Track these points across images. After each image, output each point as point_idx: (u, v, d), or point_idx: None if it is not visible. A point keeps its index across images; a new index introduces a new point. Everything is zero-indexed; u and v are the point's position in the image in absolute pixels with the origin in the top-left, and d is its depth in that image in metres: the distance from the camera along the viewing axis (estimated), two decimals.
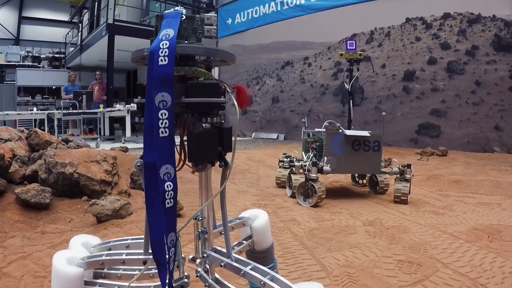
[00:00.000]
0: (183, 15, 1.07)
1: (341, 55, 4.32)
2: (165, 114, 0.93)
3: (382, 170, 3.86)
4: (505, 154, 7.51)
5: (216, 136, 1.06)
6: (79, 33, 18.22)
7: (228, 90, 1.12)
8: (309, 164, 3.67)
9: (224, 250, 1.16)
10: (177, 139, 1.05)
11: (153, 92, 0.94)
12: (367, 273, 2.05)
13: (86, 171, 3.34)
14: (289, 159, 4.32)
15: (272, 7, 12.57)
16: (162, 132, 0.93)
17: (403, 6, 9.26)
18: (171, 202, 0.95)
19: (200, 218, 1.13)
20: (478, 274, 2.05)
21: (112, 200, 2.97)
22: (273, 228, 2.79)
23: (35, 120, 12.47)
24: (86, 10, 18.92)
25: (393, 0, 9.46)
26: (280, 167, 4.40)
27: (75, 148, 4.13)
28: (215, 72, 13.93)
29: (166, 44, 0.96)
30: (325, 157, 3.73)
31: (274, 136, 12.25)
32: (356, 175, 4.49)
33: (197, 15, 1.10)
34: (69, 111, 10.86)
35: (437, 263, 2.18)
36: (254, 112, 13.28)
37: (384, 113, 4.44)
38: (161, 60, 0.95)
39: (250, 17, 13.43)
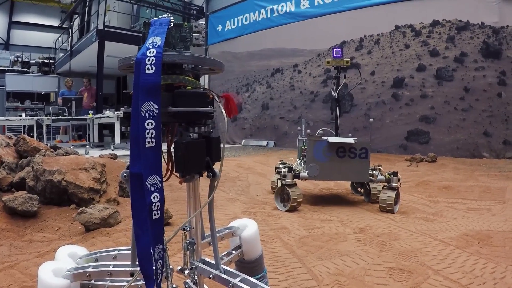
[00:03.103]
0: (171, 23, 1.05)
1: (328, 62, 4.31)
2: (151, 124, 0.91)
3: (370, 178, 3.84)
4: (494, 159, 7.57)
5: (203, 146, 1.04)
6: (69, 39, 18.12)
7: (216, 99, 1.10)
8: (284, 170, 3.69)
9: (213, 261, 1.14)
10: (165, 148, 1.03)
11: (140, 101, 0.91)
12: (358, 281, 2.04)
13: (74, 179, 3.30)
14: (284, 165, 4.31)
15: (262, 14, 12.59)
16: (148, 142, 0.91)
17: (392, 14, 9.32)
18: (158, 213, 0.93)
19: (188, 229, 1.11)
20: (469, 280, 2.05)
21: (101, 209, 2.94)
22: (263, 236, 2.77)
23: (24, 126, 12.36)
24: (76, 16, 18.84)
25: (383, 7, 9.51)
26: (276, 173, 4.41)
27: (63, 155, 4.09)
28: (204, 78, 13.92)
29: (153, 52, 0.94)
30: (300, 163, 3.72)
31: (264, 143, 12.24)
32: (355, 183, 4.48)
33: (185, 23, 1.09)
34: (58, 117, 10.76)
35: (428, 270, 2.17)
36: (244, 119, 13.27)
37: (371, 119, 4.45)
38: (148, 69, 0.92)
39: (240, 24, 13.44)
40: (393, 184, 3.64)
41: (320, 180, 4.15)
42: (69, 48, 17.34)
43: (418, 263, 2.28)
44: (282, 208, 3.64)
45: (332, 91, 4.32)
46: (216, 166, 1.10)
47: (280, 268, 2.19)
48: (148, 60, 0.93)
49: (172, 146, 1.04)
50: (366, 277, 2.08)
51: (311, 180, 3.83)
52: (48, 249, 2.47)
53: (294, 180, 3.69)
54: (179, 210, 3.39)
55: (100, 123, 11.66)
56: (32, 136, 10.75)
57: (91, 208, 2.93)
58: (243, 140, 13.01)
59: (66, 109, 10.96)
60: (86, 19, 16.62)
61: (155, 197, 0.92)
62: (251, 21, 13.02)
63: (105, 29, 13.55)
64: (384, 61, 9.46)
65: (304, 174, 3.72)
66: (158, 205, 0.93)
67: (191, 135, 1.03)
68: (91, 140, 11.57)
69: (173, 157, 1.03)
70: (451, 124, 8.31)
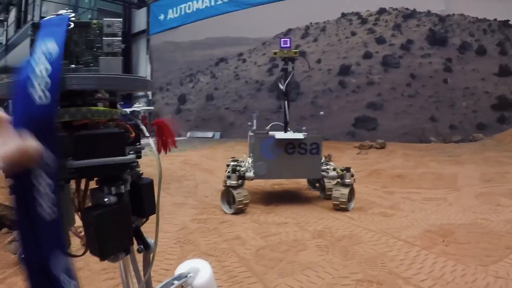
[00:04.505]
0: (71, 22, 0.71)
1: (275, 53, 4.04)
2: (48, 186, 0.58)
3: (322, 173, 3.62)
4: (441, 144, 7.68)
5: (126, 212, 0.72)
6: (5, 32, 17.06)
7: (145, 132, 0.77)
8: (228, 171, 3.49)
9: None
10: None
11: None
12: None
13: (3, 199, 2.89)
14: (236, 163, 4.04)
15: (206, 2, 12.22)
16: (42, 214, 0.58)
17: (339, 1, 9.29)
18: None
19: None
20: (442, 287, 1.90)
21: None
22: (216, 250, 2.50)
23: None
24: (12, 7, 17.72)
25: None
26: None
27: None
28: (146, 70, 13.41)
29: (46, 69, 0.60)
30: (245, 162, 3.57)
31: (210, 134, 11.94)
32: (311, 179, 4.26)
33: (94, 21, 0.75)
34: None
35: (397, 279, 1.99)
36: (188, 111, 12.90)
37: (322, 112, 4.24)
38: (40, 97, 0.58)
39: (183, 13, 13.00)
40: (346, 180, 3.44)
41: (269, 179, 3.94)
42: (4, 42, 16.35)
43: (386, 271, 2.09)
44: (228, 210, 3.41)
45: (280, 84, 4.06)
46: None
47: None
48: (39, 83, 0.59)
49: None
50: None
51: (260, 179, 3.61)
52: None
53: (240, 180, 3.46)
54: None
55: None
56: None
57: None
58: (188, 133, 12.64)
59: (3, 109, 10.20)
60: (22, 10, 15.65)
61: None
62: (194, 9, 12.61)
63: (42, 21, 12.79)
64: (331, 49, 9.38)
65: (250, 174, 3.49)
66: None
67: (105, 199, 0.70)
68: None
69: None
70: (398, 110, 8.36)
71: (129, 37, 15.06)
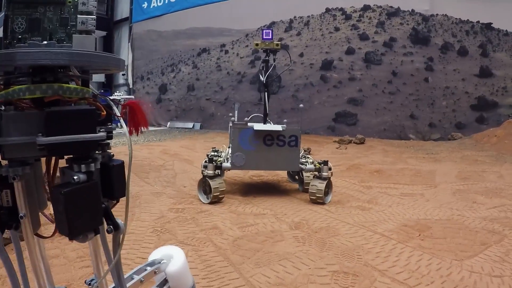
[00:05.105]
0: None
1: (257, 45, 4.01)
2: None
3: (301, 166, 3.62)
4: (420, 141, 7.77)
5: (96, 191, 0.70)
6: None
7: (116, 113, 0.75)
8: (205, 160, 3.48)
9: None
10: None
11: None
12: None
13: None
14: (216, 153, 4.01)
15: None
16: None
17: None
18: None
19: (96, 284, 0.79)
20: (417, 280, 1.93)
21: None
22: (193, 239, 2.47)
23: None
24: None
25: None
26: None
27: None
28: (128, 58, 13.24)
29: None
30: (226, 153, 3.58)
31: (190, 125, 11.85)
32: (291, 171, 4.26)
33: None
34: None
35: (373, 271, 2.00)
36: (169, 101, 12.79)
37: (301, 105, 4.22)
38: None
39: (166, 1, 12.83)
40: (324, 173, 3.44)
41: (247, 169, 3.93)
42: None
43: (362, 264, 2.10)
44: (205, 200, 3.39)
45: (261, 75, 4.04)
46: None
47: (215, 281, 1.90)
48: None
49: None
50: (310, 285, 1.86)
51: (238, 169, 3.59)
52: None
53: (218, 170, 3.45)
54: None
55: None
56: None
57: None
58: (169, 123, 12.54)
59: None
60: None
61: None
62: None
63: None
64: (313, 43, 9.39)
65: (226, 164, 3.49)
66: None
67: (75, 177, 0.67)
68: None
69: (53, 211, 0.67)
70: (378, 107, 8.43)
71: (112, 24, 14.84)
